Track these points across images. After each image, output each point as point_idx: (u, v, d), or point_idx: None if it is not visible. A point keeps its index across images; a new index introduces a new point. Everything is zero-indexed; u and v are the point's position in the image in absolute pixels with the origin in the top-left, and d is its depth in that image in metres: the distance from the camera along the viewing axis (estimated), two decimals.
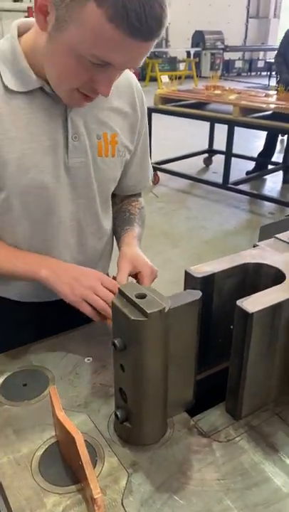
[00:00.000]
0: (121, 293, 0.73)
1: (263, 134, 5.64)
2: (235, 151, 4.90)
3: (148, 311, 0.67)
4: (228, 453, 0.76)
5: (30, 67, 0.91)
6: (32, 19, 0.96)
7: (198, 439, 0.79)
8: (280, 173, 5.61)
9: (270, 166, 5.67)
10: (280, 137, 6.01)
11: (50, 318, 1.10)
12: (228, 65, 15.37)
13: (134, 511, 0.67)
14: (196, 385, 0.83)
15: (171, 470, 0.73)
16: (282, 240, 0.98)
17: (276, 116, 4.30)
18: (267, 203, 4.81)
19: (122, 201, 1.24)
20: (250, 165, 5.67)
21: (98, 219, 1.12)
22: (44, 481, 0.72)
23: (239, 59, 16.04)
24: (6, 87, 0.90)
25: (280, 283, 0.82)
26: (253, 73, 16.04)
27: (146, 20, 0.74)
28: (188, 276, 0.86)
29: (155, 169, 5.29)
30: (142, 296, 0.71)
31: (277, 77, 5.57)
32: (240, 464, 0.75)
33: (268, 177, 5.68)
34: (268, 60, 14.48)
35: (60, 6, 0.77)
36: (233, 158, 4.86)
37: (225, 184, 4.81)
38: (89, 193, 1.06)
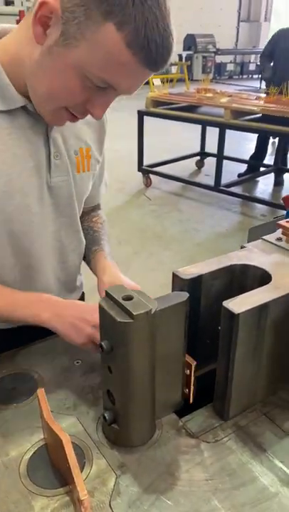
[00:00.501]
0: (108, 295, 0.73)
1: (255, 137, 5.68)
2: (227, 153, 4.93)
3: (134, 313, 0.68)
4: (216, 453, 0.77)
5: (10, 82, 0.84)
6: (5, 25, 0.90)
7: (186, 439, 0.80)
8: (272, 176, 5.65)
9: (261, 169, 5.70)
10: (271, 139, 6.06)
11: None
12: (219, 68, 15.47)
13: None
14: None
15: (159, 471, 0.73)
16: (269, 242, 0.98)
17: (267, 118, 4.33)
18: (259, 205, 4.85)
19: (81, 217, 1.16)
20: (243, 167, 5.70)
21: (79, 236, 1.10)
22: (32, 484, 0.72)
23: (231, 62, 16.14)
24: None
25: (267, 284, 0.82)
26: (245, 76, 16.15)
27: (163, 52, 0.74)
28: (175, 278, 0.86)
29: (147, 172, 5.32)
30: (129, 298, 0.71)
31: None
32: (228, 464, 0.75)
33: (259, 179, 5.71)
34: (259, 63, 14.58)
35: (69, 21, 0.72)
36: (225, 161, 4.89)
37: (217, 186, 4.83)
38: (70, 210, 1.04)
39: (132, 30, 0.70)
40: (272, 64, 5.29)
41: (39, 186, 0.94)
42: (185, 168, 5.82)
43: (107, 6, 0.69)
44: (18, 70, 0.83)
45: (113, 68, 0.75)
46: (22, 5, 11.26)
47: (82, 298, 1.28)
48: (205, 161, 6.01)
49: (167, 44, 0.74)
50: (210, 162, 5.61)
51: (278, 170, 5.60)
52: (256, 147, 5.64)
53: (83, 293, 1.28)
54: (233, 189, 4.95)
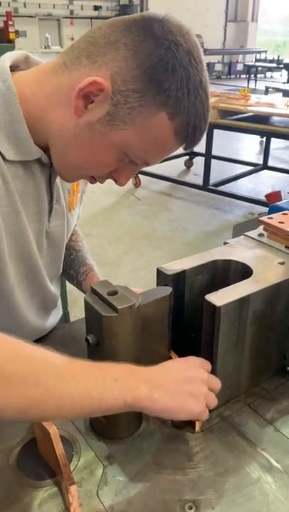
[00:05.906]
0: (93, 290, 0.75)
1: (244, 136, 5.73)
2: (217, 153, 4.95)
3: (118, 307, 0.70)
4: (201, 443, 0.79)
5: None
6: (25, 53, 0.85)
7: (171, 430, 0.82)
8: (260, 174, 5.70)
9: (250, 168, 5.76)
10: (259, 139, 6.12)
11: None
12: (207, 68, 15.31)
13: (109, 501, 0.69)
14: None
15: (145, 461, 0.76)
16: (251, 238, 1.01)
17: (254, 118, 4.38)
18: (247, 204, 4.88)
19: None
20: (231, 166, 5.75)
21: (61, 266, 1.07)
22: (22, 476, 0.73)
23: (218, 62, 16.22)
24: (2, 157, 0.77)
25: (248, 278, 0.85)
26: (233, 76, 16.24)
27: (200, 137, 0.77)
28: (160, 273, 0.88)
29: (136, 172, 5.33)
30: (113, 293, 0.73)
31: None
32: (212, 452, 0.77)
33: (248, 178, 5.76)
34: (246, 63, 14.70)
35: (120, 104, 0.71)
36: (214, 160, 4.92)
37: (205, 186, 4.86)
38: (60, 251, 1.02)
39: (184, 121, 0.72)
40: None
41: (38, 234, 0.91)
42: (174, 168, 5.84)
43: (163, 97, 0.70)
44: (39, 126, 0.79)
45: (156, 151, 0.77)
46: (9, 6, 11.22)
47: (65, 317, 1.25)
48: (194, 160, 6.04)
49: (205, 127, 0.76)
50: (199, 161, 5.65)
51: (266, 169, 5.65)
52: None
53: (67, 312, 1.25)
54: (221, 188, 4.98)
